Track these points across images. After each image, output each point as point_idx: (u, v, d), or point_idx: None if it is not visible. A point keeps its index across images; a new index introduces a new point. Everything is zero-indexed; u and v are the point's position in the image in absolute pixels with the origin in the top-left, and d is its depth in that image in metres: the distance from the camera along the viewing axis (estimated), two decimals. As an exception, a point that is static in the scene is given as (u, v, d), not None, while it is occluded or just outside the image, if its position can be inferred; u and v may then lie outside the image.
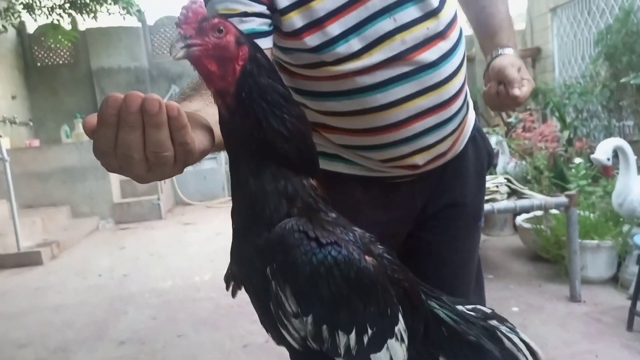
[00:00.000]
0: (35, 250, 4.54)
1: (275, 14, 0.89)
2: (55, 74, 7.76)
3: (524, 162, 3.93)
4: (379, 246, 0.70)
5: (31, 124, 7.40)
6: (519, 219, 3.40)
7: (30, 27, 7.53)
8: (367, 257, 0.65)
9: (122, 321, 2.97)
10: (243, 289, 0.78)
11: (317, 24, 0.89)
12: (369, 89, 0.94)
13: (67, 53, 7.76)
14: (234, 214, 0.68)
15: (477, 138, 1.14)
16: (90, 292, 3.59)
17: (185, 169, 0.60)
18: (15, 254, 4.45)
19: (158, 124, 0.52)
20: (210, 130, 0.64)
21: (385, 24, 0.90)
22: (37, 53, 7.75)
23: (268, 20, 0.88)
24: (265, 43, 0.85)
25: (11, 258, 4.43)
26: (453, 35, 0.99)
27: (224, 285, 0.78)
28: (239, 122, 0.62)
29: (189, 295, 3.31)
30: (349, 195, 1.03)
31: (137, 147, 0.53)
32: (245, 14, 0.85)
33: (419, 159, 1.01)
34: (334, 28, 0.90)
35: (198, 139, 0.58)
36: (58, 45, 7.02)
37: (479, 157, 1.14)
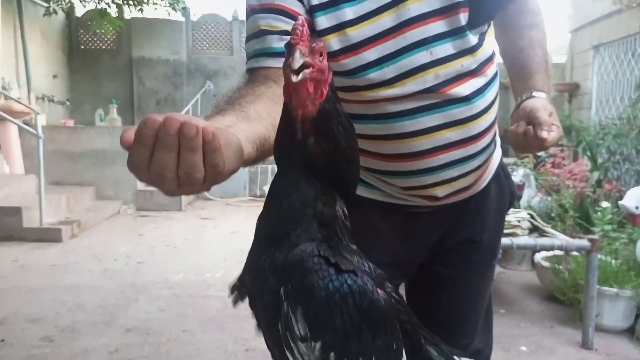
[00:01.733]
0: (57, 227, 4.66)
1: (314, 34, 0.91)
2: (96, 59, 7.99)
3: (549, 198, 3.86)
4: (388, 284, 0.70)
5: (68, 103, 7.62)
6: (538, 256, 3.33)
7: (79, 11, 7.77)
8: (379, 290, 0.65)
9: (132, 309, 3.02)
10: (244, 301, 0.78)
11: (353, 49, 0.91)
12: (398, 115, 0.95)
13: (111, 40, 7.98)
14: (262, 221, 0.68)
15: (501, 176, 1.14)
16: (105, 275, 3.66)
17: None
18: (37, 229, 4.57)
19: (193, 147, 0.54)
20: (240, 149, 0.65)
21: (421, 57, 0.91)
22: (82, 36, 8.00)
23: None
24: None
25: (33, 232, 4.56)
26: (489, 72, 0.99)
27: (233, 286, 0.78)
28: (313, 144, 0.63)
29: (199, 291, 3.34)
30: (367, 219, 1.04)
31: (170, 167, 0.55)
32: (286, 33, 0.86)
33: (440, 191, 1.01)
34: (370, 54, 0.91)
35: (228, 159, 0.60)
36: (103, 31, 7.24)
37: (501, 195, 1.14)
